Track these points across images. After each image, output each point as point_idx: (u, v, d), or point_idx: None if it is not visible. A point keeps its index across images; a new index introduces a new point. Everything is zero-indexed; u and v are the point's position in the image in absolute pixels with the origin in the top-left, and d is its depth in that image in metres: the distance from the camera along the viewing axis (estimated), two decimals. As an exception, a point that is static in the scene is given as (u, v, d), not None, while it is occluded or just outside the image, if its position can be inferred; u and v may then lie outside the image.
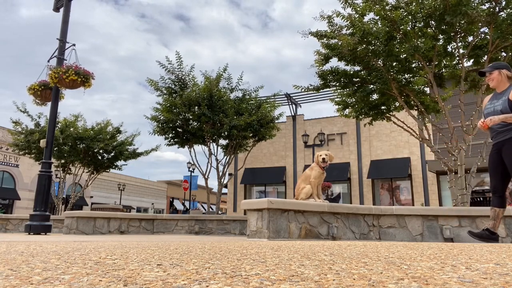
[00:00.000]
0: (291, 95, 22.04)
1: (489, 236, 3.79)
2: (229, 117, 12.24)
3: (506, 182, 3.75)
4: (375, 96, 9.71)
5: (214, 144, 13.66)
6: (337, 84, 9.62)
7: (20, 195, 28.39)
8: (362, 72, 9.17)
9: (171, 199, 46.31)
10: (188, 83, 12.84)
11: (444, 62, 8.91)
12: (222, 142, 13.87)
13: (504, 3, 7.28)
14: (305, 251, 1.92)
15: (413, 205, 19.04)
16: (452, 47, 8.44)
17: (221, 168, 13.76)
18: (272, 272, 1.13)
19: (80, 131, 16.23)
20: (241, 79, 13.42)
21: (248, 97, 13.48)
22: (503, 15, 7.34)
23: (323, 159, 5.39)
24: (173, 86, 12.83)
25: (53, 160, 9.49)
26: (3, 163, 27.88)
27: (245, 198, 22.96)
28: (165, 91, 12.83)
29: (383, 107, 10.12)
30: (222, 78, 13.03)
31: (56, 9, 8.67)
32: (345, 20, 8.29)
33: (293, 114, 23.64)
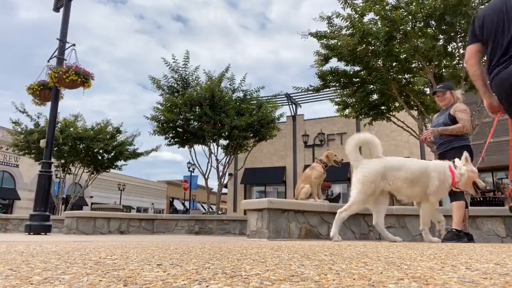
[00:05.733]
0: (291, 95, 22.03)
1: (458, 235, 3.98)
2: (230, 117, 12.24)
3: None
4: (375, 96, 9.71)
5: (215, 144, 13.66)
6: (337, 84, 9.63)
7: (20, 195, 28.38)
8: (362, 72, 9.17)
9: (171, 199, 46.29)
10: (191, 82, 12.84)
11: (444, 62, 8.91)
12: (223, 142, 13.87)
13: (504, 3, 7.28)
14: (305, 251, 1.92)
15: (413, 205, 19.03)
16: (452, 47, 8.44)
17: (221, 168, 13.76)
18: (272, 272, 1.13)
19: (80, 131, 16.22)
20: (244, 81, 13.43)
21: (249, 97, 13.48)
22: (503, 15, 7.33)
23: (342, 160, 5.52)
24: (175, 85, 12.83)
25: (53, 160, 9.48)
26: (3, 163, 27.88)
27: (245, 198, 22.95)
28: (167, 90, 12.82)
29: (383, 107, 10.12)
30: (224, 78, 13.03)
31: (56, 9, 8.67)
32: (345, 21, 8.30)
33: (293, 114, 23.63)
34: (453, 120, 3.97)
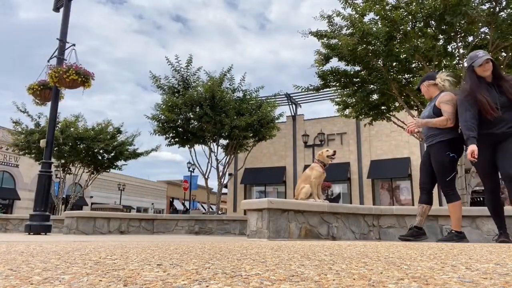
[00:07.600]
0: (291, 95, 22.03)
1: (418, 232, 4.00)
2: (230, 117, 12.25)
3: (434, 181, 3.96)
4: (375, 96, 9.71)
5: (215, 144, 13.67)
6: (337, 84, 9.63)
7: (20, 195, 28.37)
8: (362, 72, 9.17)
9: (171, 199, 46.29)
10: (192, 83, 12.87)
11: (444, 62, 8.91)
12: (223, 142, 13.89)
13: (504, 3, 7.28)
14: (305, 251, 1.92)
15: (413, 205, 19.03)
16: (452, 47, 8.44)
17: (221, 168, 13.78)
18: (272, 272, 1.13)
19: (80, 131, 16.23)
20: (244, 80, 13.45)
21: (249, 97, 13.50)
22: (503, 15, 7.33)
23: (334, 152, 5.44)
24: (176, 86, 12.85)
25: (53, 160, 9.48)
26: (3, 163, 27.87)
27: (245, 198, 22.94)
28: (167, 90, 12.85)
29: (383, 107, 10.12)
30: (225, 79, 13.06)
31: (56, 9, 8.67)
32: (345, 20, 8.30)
33: (293, 114, 23.63)
34: (437, 113, 3.81)
